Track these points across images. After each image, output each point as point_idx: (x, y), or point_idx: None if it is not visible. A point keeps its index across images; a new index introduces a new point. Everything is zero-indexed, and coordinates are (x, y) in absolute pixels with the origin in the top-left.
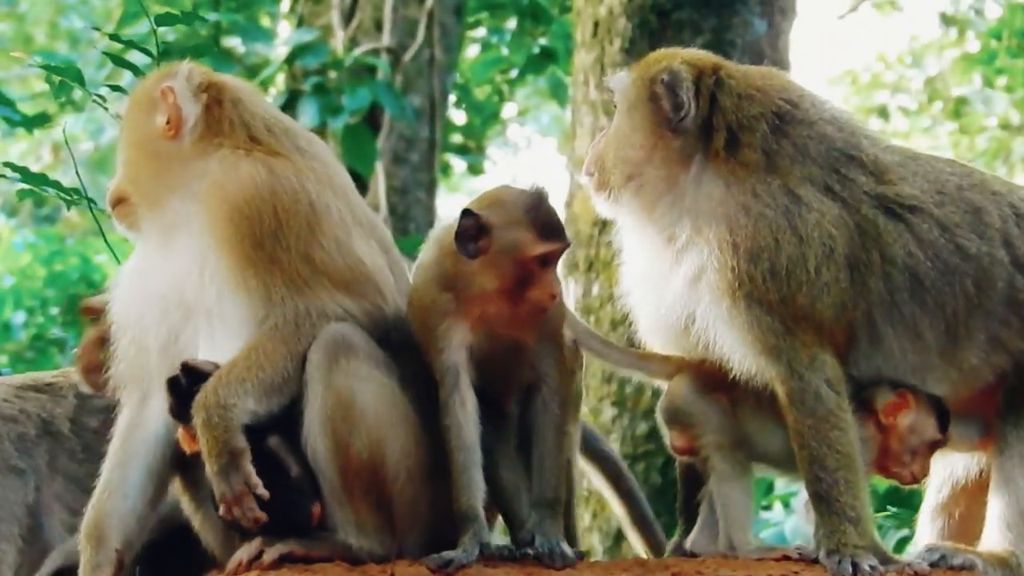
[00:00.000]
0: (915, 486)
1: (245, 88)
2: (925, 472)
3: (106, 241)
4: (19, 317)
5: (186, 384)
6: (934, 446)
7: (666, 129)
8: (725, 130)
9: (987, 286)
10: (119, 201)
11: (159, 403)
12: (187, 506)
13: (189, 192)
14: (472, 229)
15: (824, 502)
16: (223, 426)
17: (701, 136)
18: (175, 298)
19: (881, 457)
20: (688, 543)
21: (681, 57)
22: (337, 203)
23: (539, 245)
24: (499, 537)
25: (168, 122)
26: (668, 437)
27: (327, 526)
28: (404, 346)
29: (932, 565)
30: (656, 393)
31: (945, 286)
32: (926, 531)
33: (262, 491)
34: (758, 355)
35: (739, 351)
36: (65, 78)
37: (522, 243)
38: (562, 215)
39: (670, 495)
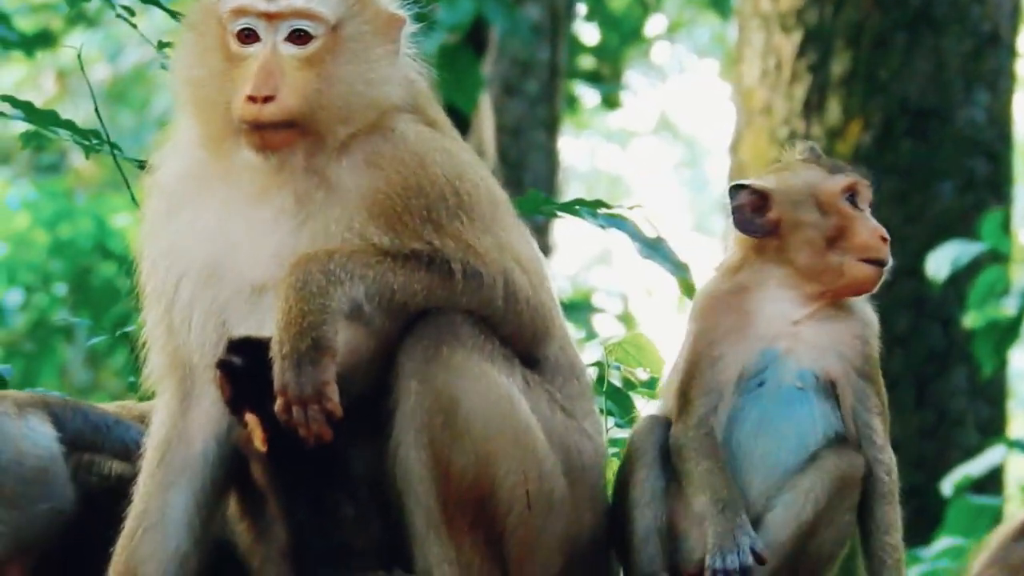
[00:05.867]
0: None
1: None
2: None
3: (132, 197)
4: (14, 297)
5: (243, 365)
6: None
7: None
8: None
9: None
10: (292, 124)
11: (206, 407)
12: (243, 538)
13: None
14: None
15: None
16: (319, 302)
17: None
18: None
19: None
20: None
21: None
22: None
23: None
24: None
25: None
26: None
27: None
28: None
29: None
30: None
31: None
32: None
33: (335, 406)
34: None
35: None
36: None
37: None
38: (726, 161)
39: None
